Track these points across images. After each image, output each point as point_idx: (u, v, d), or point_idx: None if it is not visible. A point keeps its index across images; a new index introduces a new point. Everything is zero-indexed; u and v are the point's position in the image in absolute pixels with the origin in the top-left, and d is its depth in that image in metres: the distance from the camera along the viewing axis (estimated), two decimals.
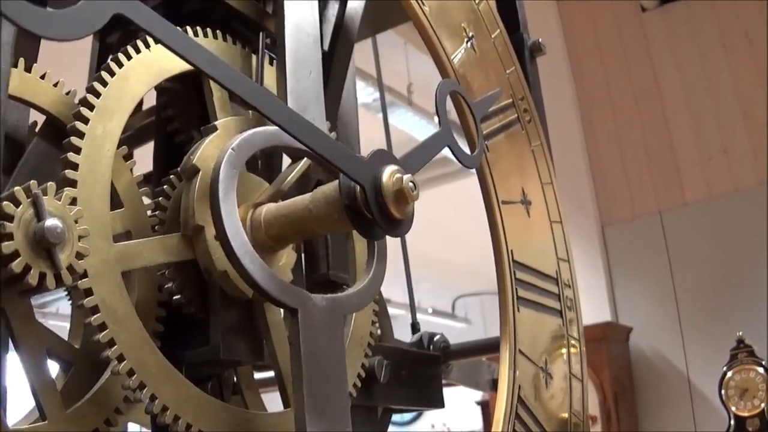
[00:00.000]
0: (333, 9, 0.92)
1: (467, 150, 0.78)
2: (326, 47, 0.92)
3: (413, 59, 4.17)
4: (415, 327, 1.30)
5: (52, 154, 0.61)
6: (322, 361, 0.58)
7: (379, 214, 0.60)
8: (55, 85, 0.62)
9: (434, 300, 7.20)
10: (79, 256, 0.53)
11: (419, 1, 0.90)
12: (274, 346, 0.69)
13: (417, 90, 4.48)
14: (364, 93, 4.07)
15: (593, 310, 3.75)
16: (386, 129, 1.63)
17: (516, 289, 0.93)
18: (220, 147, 0.64)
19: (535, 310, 0.97)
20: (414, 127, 4.68)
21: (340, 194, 0.61)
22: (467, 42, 0.97)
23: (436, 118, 0.74)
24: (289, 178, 0.71)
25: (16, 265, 0.49)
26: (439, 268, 6.53)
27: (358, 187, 0.60)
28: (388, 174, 0.61)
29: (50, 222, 0.50)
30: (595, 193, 4.12)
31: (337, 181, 0.62)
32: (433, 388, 0.99)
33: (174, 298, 0.67)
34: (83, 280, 0.55)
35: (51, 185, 0.52)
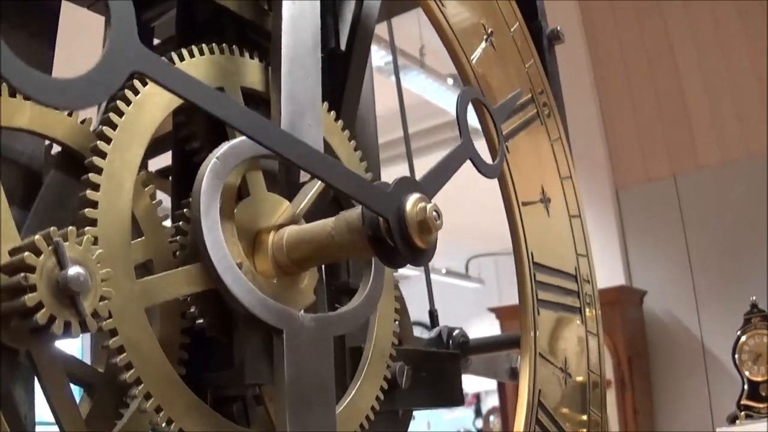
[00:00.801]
0: (349, 9, 0.90)
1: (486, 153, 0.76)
2: (343, 47, 0.90)
3: (425, 22, 4.09)
4: (433, 315, 1.30)
5: (70, 186, 0.60)
6: (308, 385, 0.57)
7: (402, 245, 0.59)
8: (70, 114, 0.60)
9: (448, 260, 7.21)
10: (103, 299, 0.52)
11: (438, 2, 0.88)
12: None
13: (429, 52, 4.43)
14: (377, 56, 4.01)
15: (607, 273, 3.75)
16: (399, 93, 1.59)
17: (536, 292, 0.93)
18: None
19: (554, 310, 0.96)
20: (427, 89, 4.63)
21: (362, 224, 0.60)
22: (486, 40, 0.95)
23: (451, 99, 0.72)
24: (308, 197, 0.70)
25: (41, 317, 0.48)
26: (453, 228, 6.51)
27: (381, 218, 0.59)
28: (412, 204, 0.59)
29: (73, 271, 0.50)
30: (609, 157, 4.09)
31: (359, 209, 0.61)
32: (453, 385, 0.99)
33: (197, 322, 0.66)
34: (107, 321, 0.54)
35: (72, 230, 0.52)
